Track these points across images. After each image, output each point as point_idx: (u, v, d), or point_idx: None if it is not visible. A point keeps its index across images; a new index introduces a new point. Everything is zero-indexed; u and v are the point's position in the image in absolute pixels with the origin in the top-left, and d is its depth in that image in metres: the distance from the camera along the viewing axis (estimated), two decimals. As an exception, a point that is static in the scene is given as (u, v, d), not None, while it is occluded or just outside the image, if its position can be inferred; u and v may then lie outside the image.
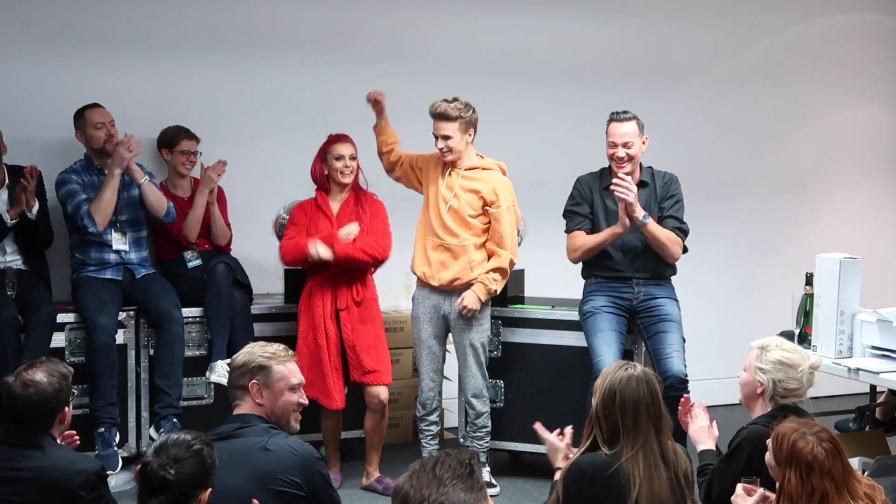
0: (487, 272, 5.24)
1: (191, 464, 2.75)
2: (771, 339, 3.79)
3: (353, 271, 5.31)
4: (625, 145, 5.10)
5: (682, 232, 5.18)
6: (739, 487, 3.27)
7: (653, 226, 5.06)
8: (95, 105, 5.42)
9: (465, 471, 2.23)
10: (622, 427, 3.26)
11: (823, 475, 3.03)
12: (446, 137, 5.22)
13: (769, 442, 3.18)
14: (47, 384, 3.26)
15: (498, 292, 5.30)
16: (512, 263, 5.31)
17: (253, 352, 3.49)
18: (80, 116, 5.39)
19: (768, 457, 3.19)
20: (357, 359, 5.27)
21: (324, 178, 5.39)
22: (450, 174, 5.31)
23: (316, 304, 5.28)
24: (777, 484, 3.12)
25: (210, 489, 2.81)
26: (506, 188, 5.31)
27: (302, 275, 5.70)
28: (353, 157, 5.34)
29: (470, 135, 5.28)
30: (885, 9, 7.74)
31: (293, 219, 5.41)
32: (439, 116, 5.22)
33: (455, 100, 5.24)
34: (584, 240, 5.23)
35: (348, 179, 5.34)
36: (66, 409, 3.34)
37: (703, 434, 3.83)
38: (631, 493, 3.17)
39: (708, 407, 3.89)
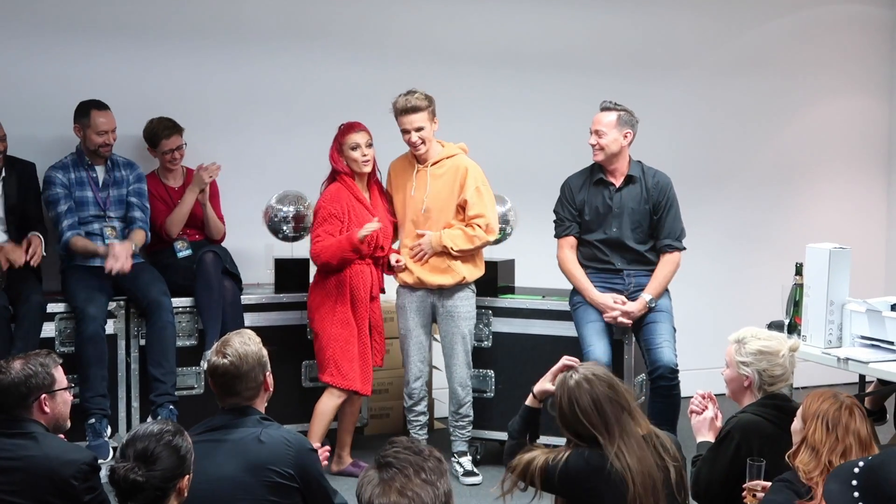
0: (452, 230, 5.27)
1: (163, 458, 2.72)
2: (745, 330, 3.77)
3: (380, 259, 5.33)
4: (596, 133, 5.16)
5: (675, 247, 5.21)
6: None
7: (657, 292, 5.14)
8: (103, 106, 5.36)
9: (439, 464, 2.27)
10: (595, 430, 3.23)
11: (849, 432, 3.08)
12: (419, 129, 5.22)
13: (798, 412, 3.24)
14: (19, 370, 3.28)
15: (456, 252, 5.25)
16: (485, 240, 5.29)
17: (251, 349, 3.38)
18: (85, 114, 5.33)
19: (795, 422, 3.24)
20: (380, 344, 5.34)
21: (348, 168, 5.25)
22: (418, 173, 5.31)
23: (358, 294, 5.22)
24: (800, 441, 3.17)
25: (188, 475, 2.80)
26: (473, 170, 5.32)
27: (294, 265, 5.70)
28: (369, 145, 5.24)
29: (436, 123, 5.30)
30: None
31: (325, 217, 5.20)
32: (410, 110, 5.21)
33: (413, 91, 5.26)
34: (571, 268, 5.26)
35: (368, 168, 5.26)
36: (46, 396, 3.32)
37: (704, 426, 3.83)
38: (629, 485, 3.15)
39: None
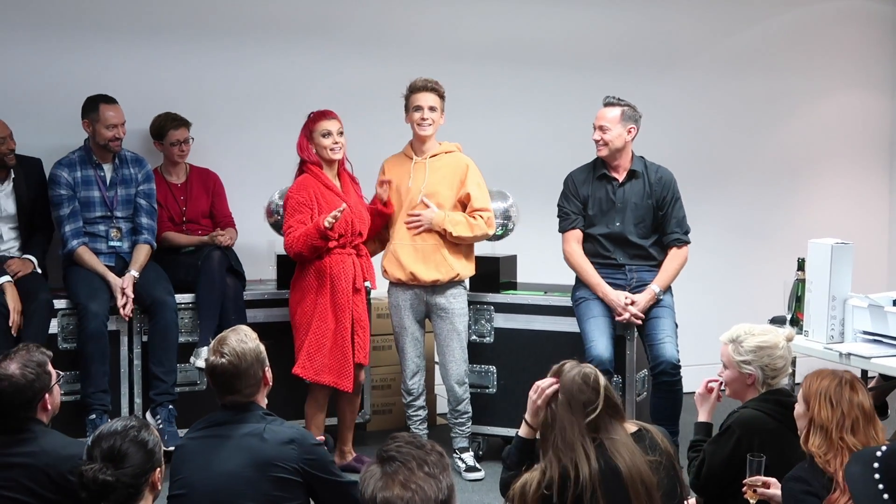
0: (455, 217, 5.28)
1: (131, 455, 2.72)
2: (736, 329, 3.74)
3: (363, 251, 5.29)
4: (600, 128, 5.16)
5: (684, 240, 5.23)
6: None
7: (665, 284, 5.16)
8: (112, 100, 5.33)
9: (441, 458, 2.28)
10: (574, 441, 3.14)
11: (854, 405, 3.08)
12: (432, 108, 5.25)
13: (799, 395, 3.23)
14: (20, 376, 3.23)
15: (453, 238, 5.25)
16: (484, 231, 5.31)
17: (249, 346, 3.38)
18: (94, 109, 5.29)
19: (798, 406, 3.23)
20: (363, 340, 5.25)
21: (317, 156, 5.24)
22: (415, 165, 5.31)
23: (338, 285, 5.14)
24: (806, 424, 3.16)
25: (160, 468, 2.80)
26: (473, 167, 5.35)
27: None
28: (340, 133, 5.23)
29: (442, 118, 5.32)
30: (879, -6, 7.75)
31: (294, 206, 5.16)
32: (430, 89, 5.25)
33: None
34: (580, 262, 5.24)
35: (339, 155, 5.23)
36: (48, 395, 3.31)
37: (701, 399, 3.84)
38: (599, 489, 3.09)
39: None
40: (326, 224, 5.00)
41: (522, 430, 3.41)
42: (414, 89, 5.27)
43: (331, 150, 5.20)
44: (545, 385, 3.24)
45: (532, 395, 3.29)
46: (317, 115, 5.25)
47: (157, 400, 5.21)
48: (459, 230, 5.25)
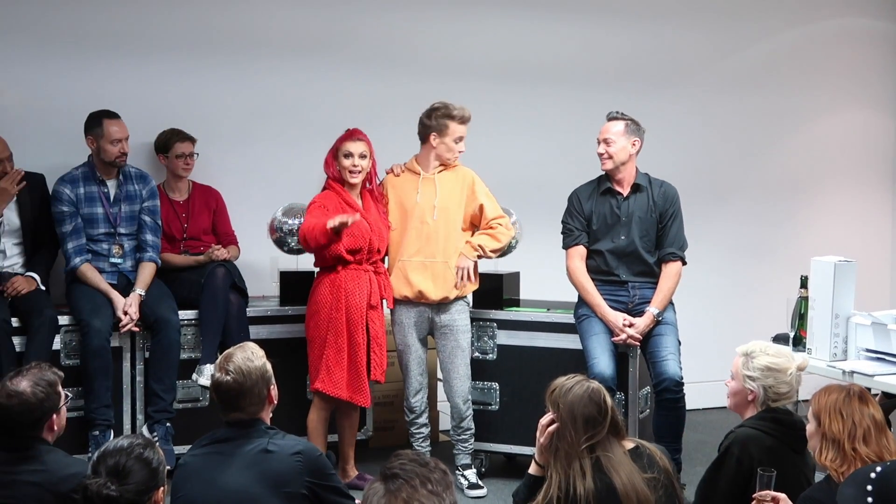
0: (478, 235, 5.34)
1: (135, 472, 2.74)
2: (754, 344, 3.76)
3: (381, 269, 5.28)
4: (605, 141, 5.18)
5: (678, 255, 5.22)
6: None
7: (662, 304, 5.14)
8: (115, 115, 5.34)
9: (445, 475, 2.27)
10: (572, 457, 3.17)
11: (865, 416, 3.07)
12: (460, 139, 5.34)
13: (808, 414, 3.21)
14: (31, 394, 3.21)
15: (490, 252, 5.33)
16: (509, 236, 5.39)
17: (255, 364, 3.38)
18: (98, 124, 5.30)
19: (809, 424, 3.22)
20: (380, 357, 5.24)
21: (338, 173, 5.20)
22: (423, 180, 5.32)
23: (352, 300, 5.13)
24: (819, 440, 3.15)
25: (162, 488, 2.81)
26: (478, 178, 5.40)
27: (300, 277, 5.69)
28: (363, 156, 5.17)
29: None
30: (881, 13, 7.76)
31: (316, 206, 5.12)
32: (468, 120, 5.34)
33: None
34: (582, 280, 5.24)
35: (356, 179, 5.17)
36: (55, 416, 3.30)
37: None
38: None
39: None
40: (330, 225, 4.91)
41: (532, 468, 3.44)
42: (459, 118, 5.30)
43: (349, 171, 5.15)
44: (545, 422, 3.28)
45: (539, 436, 3.32)
46: (345, 135, 5.22)
47: (154, 417, 5.23)
48: (490, 244, 5.32)
